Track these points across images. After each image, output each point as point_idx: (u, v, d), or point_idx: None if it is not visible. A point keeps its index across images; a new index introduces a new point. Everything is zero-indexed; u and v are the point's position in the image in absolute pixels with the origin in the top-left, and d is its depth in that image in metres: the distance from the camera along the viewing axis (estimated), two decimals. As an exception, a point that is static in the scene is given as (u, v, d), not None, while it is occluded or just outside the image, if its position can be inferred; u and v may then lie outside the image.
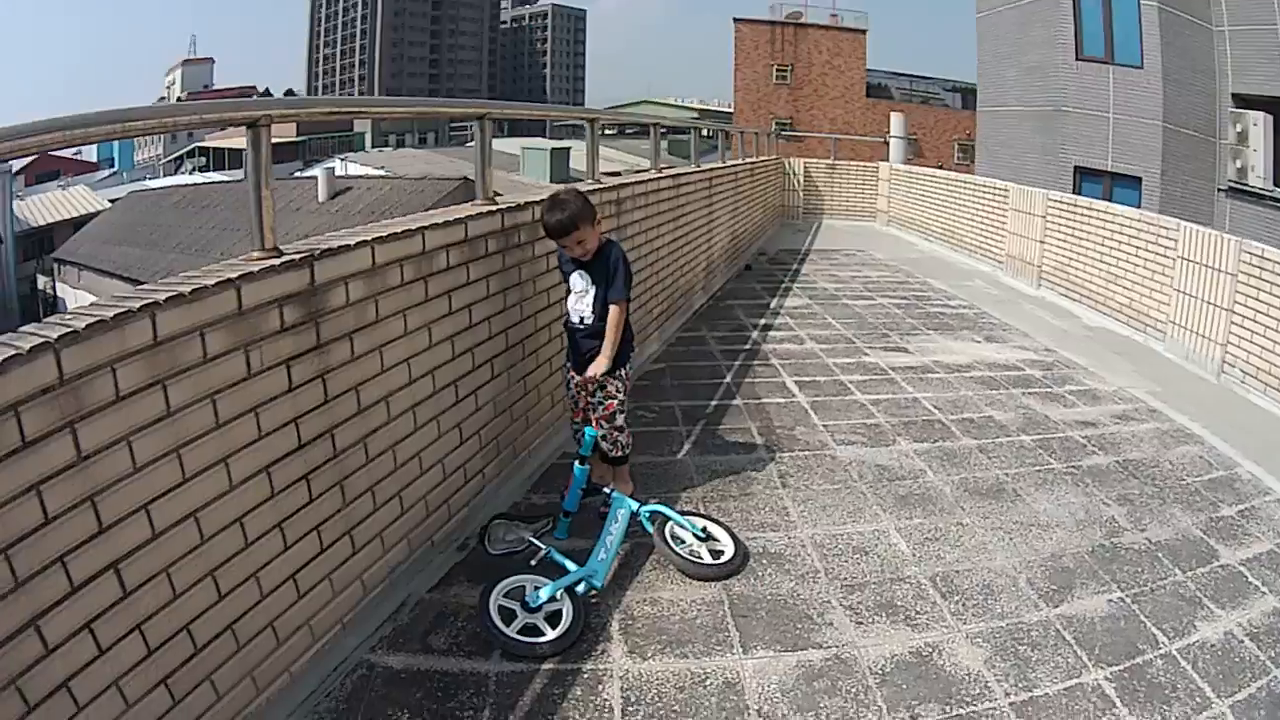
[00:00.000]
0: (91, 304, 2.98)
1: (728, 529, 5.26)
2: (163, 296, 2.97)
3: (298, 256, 3.66)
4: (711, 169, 13.19)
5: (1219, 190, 20.78)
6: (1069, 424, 8.01)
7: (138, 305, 2.88)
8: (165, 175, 69.60)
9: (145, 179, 65.54)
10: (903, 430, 7.59)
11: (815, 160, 24.69)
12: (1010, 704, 3.95)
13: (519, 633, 4.12)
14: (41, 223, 55.03)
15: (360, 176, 40.98)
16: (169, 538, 3.01)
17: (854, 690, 3.99)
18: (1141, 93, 20.76)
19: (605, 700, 3.81)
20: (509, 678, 3.92)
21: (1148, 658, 4.37)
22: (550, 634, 4.13)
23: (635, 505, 5.05)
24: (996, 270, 16.42)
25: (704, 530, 5.13)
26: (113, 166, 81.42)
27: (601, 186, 7.67)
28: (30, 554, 2.52)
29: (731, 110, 59.66)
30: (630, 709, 3.76)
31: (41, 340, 2.55)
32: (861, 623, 4.56)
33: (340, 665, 3.95)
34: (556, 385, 6.50)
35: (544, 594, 4.25)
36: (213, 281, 3.20)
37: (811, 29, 55.79)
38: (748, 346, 10.18)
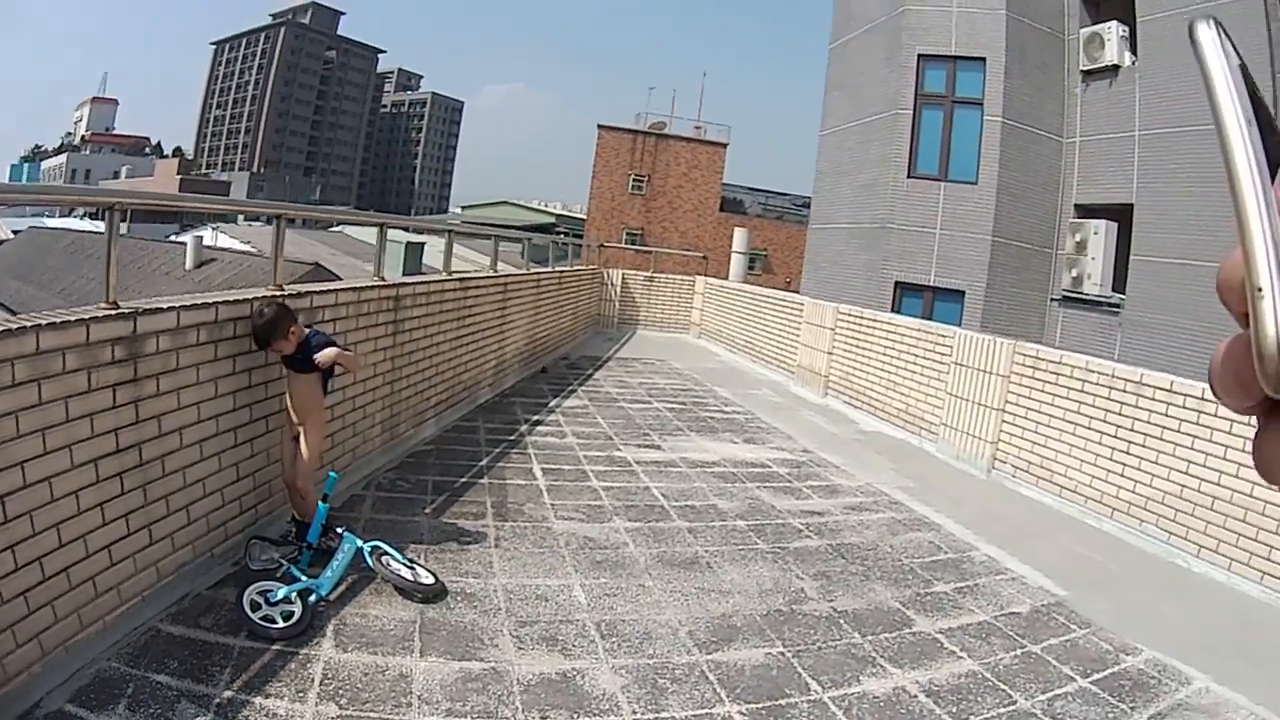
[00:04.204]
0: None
1: (431, 571, 6.11)
2: (44, 322, 4.32)
3: (127, 310, 4.90)
4: (507, 275, 13.87)
5: (1052, 300, 21.22)
6: (793, 513, 8.68)
7: (29, 324, 4.24)
8: (61, 216, 68.47)
9: (44, 215, 64.36)
10: (622, 511, 8.22)
11: (633, 271, 25.36)
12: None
13: (260, 620, 5.13)
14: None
15: (226, 250, 40.66)
16: (33, 490, 4.22)
17: (499, 693, 4.75)
18: (972, 208, 21.22)
19: (310, 674, 4.74)
20: (248, 651, 4.90)
21: (792, 700, 4.96)
22: (281, 624, 5.14)
23: (360, 542, 6.00)
24: (788, 380, 17.17)
25: (411, 562, 6.07)
26: None
27: (382, 284, 8.67)
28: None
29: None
30: (326, 681, 4.67)
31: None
32: (523, 648, 5.31)
33: (139, 627, 4.99)
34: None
35: (280, 594, 5.29)
36: (74, 318, 4.50)
37: (673, 140, 56.66)
38: (513, 438, 10.66)
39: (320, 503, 5.93)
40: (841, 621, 6.08)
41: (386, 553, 6.00)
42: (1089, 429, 9.19)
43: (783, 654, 5.50)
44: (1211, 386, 0.67)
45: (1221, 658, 5.95)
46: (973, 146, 21.39)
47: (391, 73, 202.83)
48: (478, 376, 12.24)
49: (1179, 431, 8.17)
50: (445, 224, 19.87)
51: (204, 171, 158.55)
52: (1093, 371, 9.23)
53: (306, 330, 6.15)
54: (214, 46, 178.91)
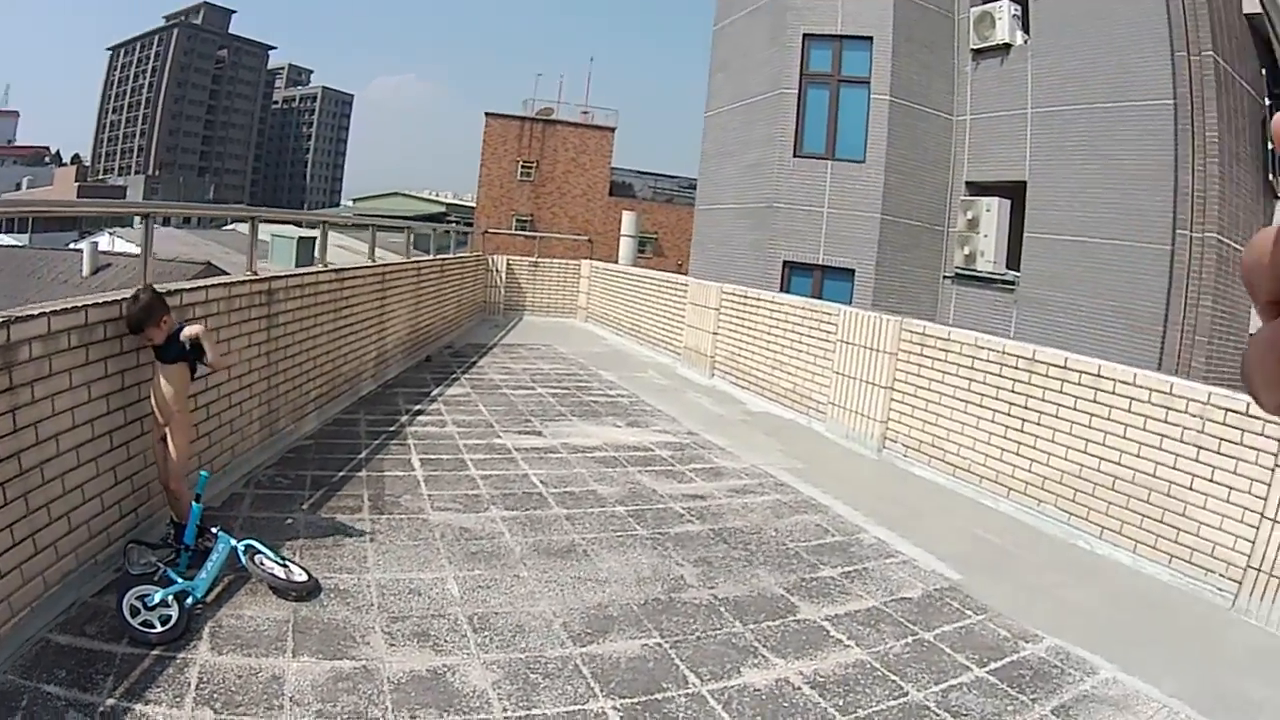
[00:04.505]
0: None
1: (304, 569, 6.06)
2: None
3: (1, 319, 4.75)
4: (385, 265, 13.69)
5: (945, 277, 21.35)
6: (674, 497, 8.64)
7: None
8: None
9: None
10: (500, 500, 8.13)
11: (518, 257, 25.29)
12: (505, 718, 4.56)
13: (140, 625, 5.09)
14: None
15: (121, 254, 39.93)
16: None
17: (369, 692, 4.70)
18: (861, 186, 21.19)
19: (187, 678, 4.70)
20: (129, 657, 4.85)
21: (669, 694, 4.89)
22: (159, 629, 5.11)
23: (234, 541, 5.90)
24: (675, 362, 17.20)
25: (283, 561, 5.97)
26: None
27: (253, 278, 8.50)
28: None
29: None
30: (201, 685, 4.63)
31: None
32: (394, 645, 5.24)
33: (30, 638, 4.93)
34: (199, 441, 7.27)
35: (156, 597, 5.21)
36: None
37: (560, 125, 56.65)
38: (393, 429, 10.54)
39: (194, 503, 5.84)
40: (722, 610, 6.00)
41: (260, 551, 5.93)
42: (981, 407, 9.16)
43: (660, 645, 5.43)
44: (1247, 383, 0.64)
45: (1130, 644, 5.90)
46: (860, 125, 21.47)
47: (282, 69, 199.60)
48: (359, 368, 12.09)
49: (1075, 409, 8.12)
50: (320, 217, 19.70)
51: (101, 178, 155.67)
52: (982, 348, 9.20)
53: (177, 325, 6.08)
54: (110, 51, 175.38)
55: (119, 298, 5.95)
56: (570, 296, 24.88)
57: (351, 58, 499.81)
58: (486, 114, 56.27)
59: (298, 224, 40.30)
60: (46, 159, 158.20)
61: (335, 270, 10.94)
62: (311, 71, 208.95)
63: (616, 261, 24.91)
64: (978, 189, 20.90)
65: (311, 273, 10.19)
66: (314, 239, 41.29)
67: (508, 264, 24.69)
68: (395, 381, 13.49)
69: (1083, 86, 18.12)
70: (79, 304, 5.53)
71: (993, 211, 19.89)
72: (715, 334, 15.25)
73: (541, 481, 8.75)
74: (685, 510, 8.16)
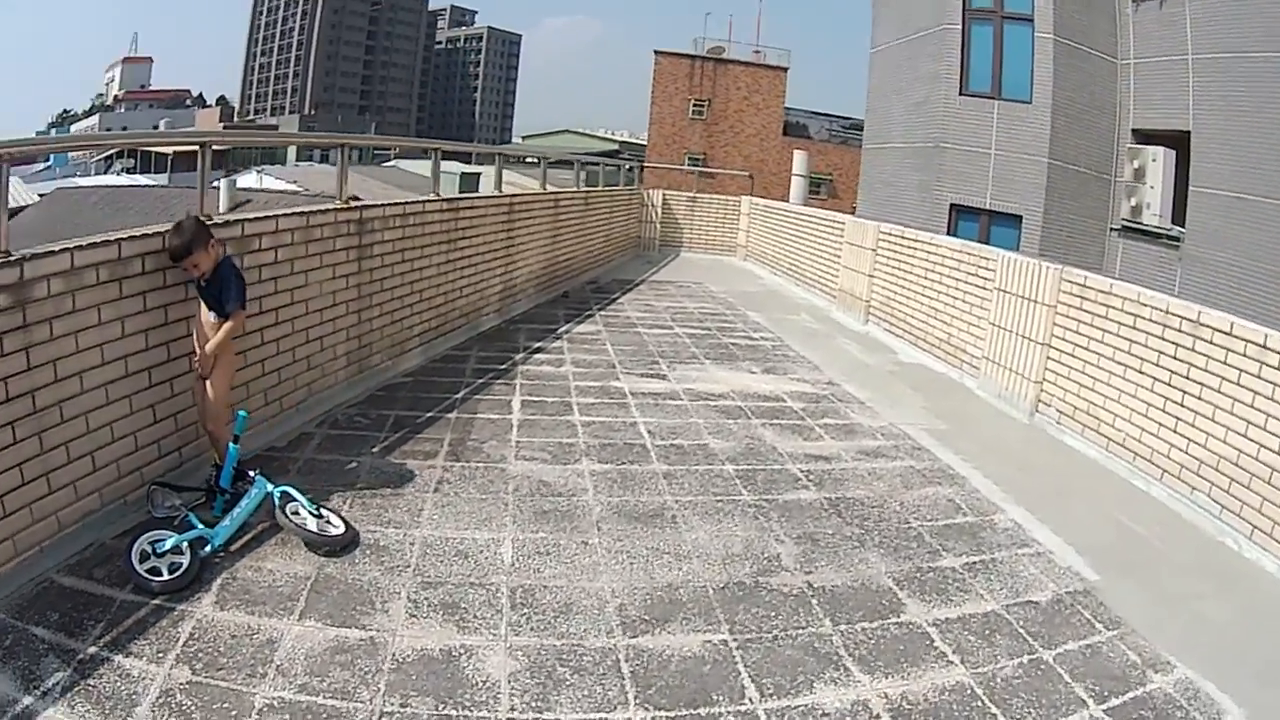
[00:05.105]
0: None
1: (344, 519, 5.63)
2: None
3: (15, 257, 4.57)
4: (513, 196, 13.09)
5: (1111, 229, 20.18)
6: (794, 456, 7.69)
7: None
8: (96, 174, 68.65)
9: (76, 175, 64.69)
10: (595, 451, 7.42)
11: (675, 192, 24.19)
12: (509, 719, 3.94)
13: (147, 572, 4.81)
14: (-32, 209, 55.26)
15: (266, 190, 40.23)
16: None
17: (366, 669, 4.20)
18: (1027, 128, 20.22)
19: (178, 633, 4.37)
20: (127, 605, 4.58)
21: (715, 711, 4.09)
22: (165, 577, 4.81)
23: (270, 486, 5.55)
24: (830, 305, 16.19)
25: (319, 510, 5.56)
26: (48, 160, 79.93)
27: (339, 207, 7.98)
28: None
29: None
30: (190, 642, 4.30)
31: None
32: (415, 616, 4.71)
33: (34, 578, 4.74)
34: (255, 377, 6.88)
35: (168, 544, 4.91)
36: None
37: (732, 64, 55.83)
38: (504, 367, 9.98)
39: (231, 444, 5.54)
40: (814, 602, 5.09)
41: (293, 499, 5.56)
42: (1140, 373, 7.87)
43: (725, 643, 4.60)
44: None
45: (1265, 683, 4.73)
46: (1025, 64, 20.51)
47: (444, 10, 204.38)
48: (477, 303, 11.55)
49: (1238, 384, 6.76)
50: (495, 150, 19.37)
51: (250, 118, 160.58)
52: (1145, 305, 7.89)
53: (225, 256, 5.78)
54: None
55: (158, 230, 5.62)
56: (729, 234, 23.58)
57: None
58: (656, 52, 55.74)
59: (468, 157, 40.12)
60: (188, 101, 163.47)
61: (447, 200, 10.38)
62: (475, 12, 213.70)
63: (788, 202, 23.92)
64: (1144, 137, 19.54)
65: (416, 202, 9.66)
66: (477, 175, 41.70)
67: (664, 199, 23.54)
68: (522, 317, 12.91)
69: (1241, 33, 16.62)
70: (111, 238, 5.27)
71: (1158, 162, 18.56)
72: (871, 276, 14.24)
73: (649, 431, 8.00)
74: (802, 473, 7.22)
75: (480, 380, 9.21)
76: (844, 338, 13.50)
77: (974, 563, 5.79)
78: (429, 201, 9.86)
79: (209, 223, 5.97)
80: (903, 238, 13.35)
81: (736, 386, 9.85)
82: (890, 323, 13.41)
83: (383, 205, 8.82)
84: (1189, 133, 17.96)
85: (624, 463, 7.14)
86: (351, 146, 8.96)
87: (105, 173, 72.40)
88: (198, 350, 5.59)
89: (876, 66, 25.37)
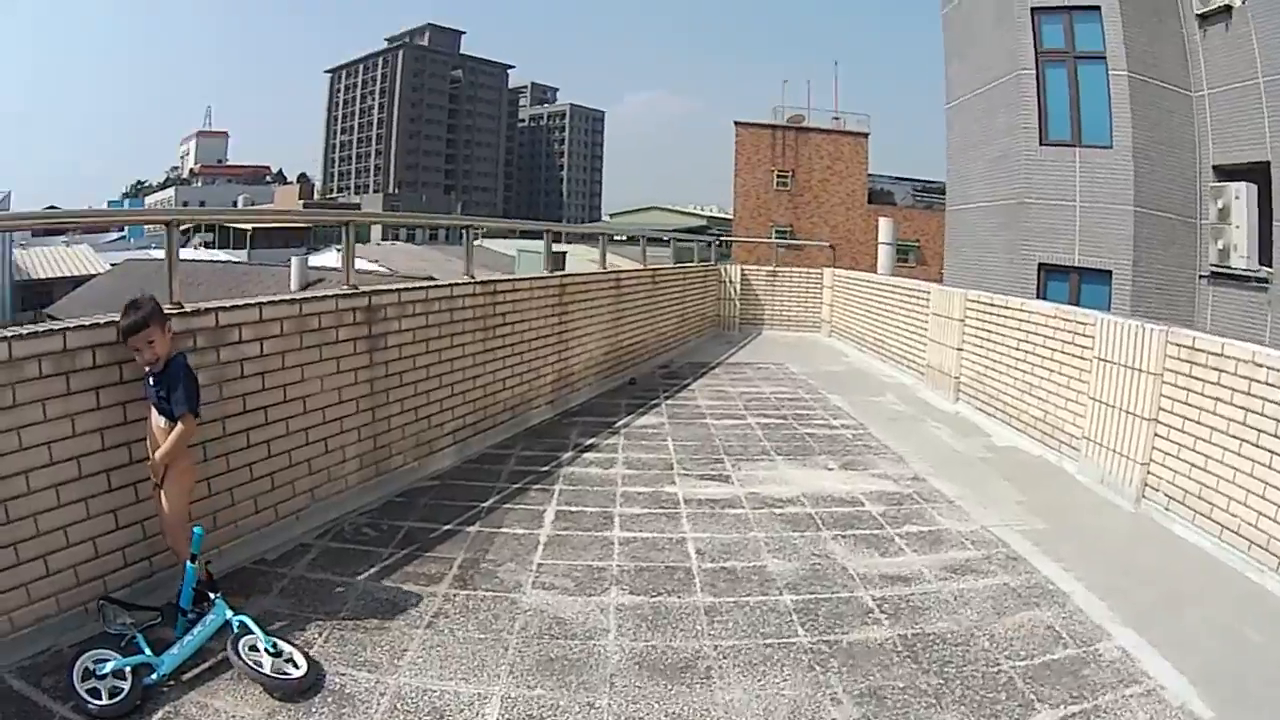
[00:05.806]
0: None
1: (309, 657, 5.08)
2: None
3: None
4: (563, 276, 12.42)
5: (1200, 278, 19.37)
6: (867, 580, 6.50)
7: None
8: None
9: (151, 247, 66.21)
10: (628, 578, 6.38)
11: (753, 266, 23.52)
12: None
13: (86, 692, 4.53)
14: (42, 276, 56.49)
15: (335, 269, 40.42)
16: None
17: None
18: (1110, 174, 19.55)
19: None
20: None
21: None
22: (103, 702, 4.51)
23: (230, 614, 5.18)
24: (918, 383, 15.12)
25: (276, 649, 5.05)
26: (121, 230, 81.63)
27: (346, 293, 7.53)
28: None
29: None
30: None
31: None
32: None
33: None
34: (242, 483, 6.46)
35: (108, 667, 4.64)
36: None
37: (813, 133, 56.00)
38: (545, 469, 9.10)
39: (188, 563, 5.16)
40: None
41: (251, 632, 5.09)
42: (1256, 446, 6.70)
43: None
44: None
45: None
46: (1102, 106, 20.11)
47: (525, 87, 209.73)
48: (525, 394, 10.81)
49: None
50: (592, 229, 19.18)
51: (331, 196, 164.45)
52: (1261, 366, 6.72)
53: (179, 352, 5.45)
54: (330, 74, 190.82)
55: (110, 320, 5.32)
56: (813, 309, 22.68)
57: (593, 76, 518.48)
58: (736, 123, 56.12)
59: (558, 236, 39.89)
60: (267, 178, 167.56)
61: (481, 283, 9.67)
62: (556, 89, 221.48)
63: (876, 271, 23.05)
64: (1224, 174, 18.75)
65: (441, 285, 9.02)
66: (563, 254, 41.36)
67: (743, 274, 22.78)
68: (580, 408, 12.15)
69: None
70: (55, 328, 5.08)
71: (1241, 198, 17.73)
72: (960, 350, 13.17)
73: (698, 551, 6.91)
74: (875, 602, 6.04)
75: (515, 485, 8.42)
76: (932, 420, 12.41)
77: (1074, 715, 4.57)
78: (457, 285, 9.19)
79: (180, 310, 5.85)
80: (991, 305, 12.24)
81: (808, 489, 8.78)
82: (982, 401, 12.29)
83: (397, 290, 8.22)
84: (1268, 163, 17.10)
85: (660, 594, 6.09)
86: (411, 225, 8.29)
87: (184, 246, 73.87)
88: (151, 455, 5.26)
89: (954, 123, 24.88)
